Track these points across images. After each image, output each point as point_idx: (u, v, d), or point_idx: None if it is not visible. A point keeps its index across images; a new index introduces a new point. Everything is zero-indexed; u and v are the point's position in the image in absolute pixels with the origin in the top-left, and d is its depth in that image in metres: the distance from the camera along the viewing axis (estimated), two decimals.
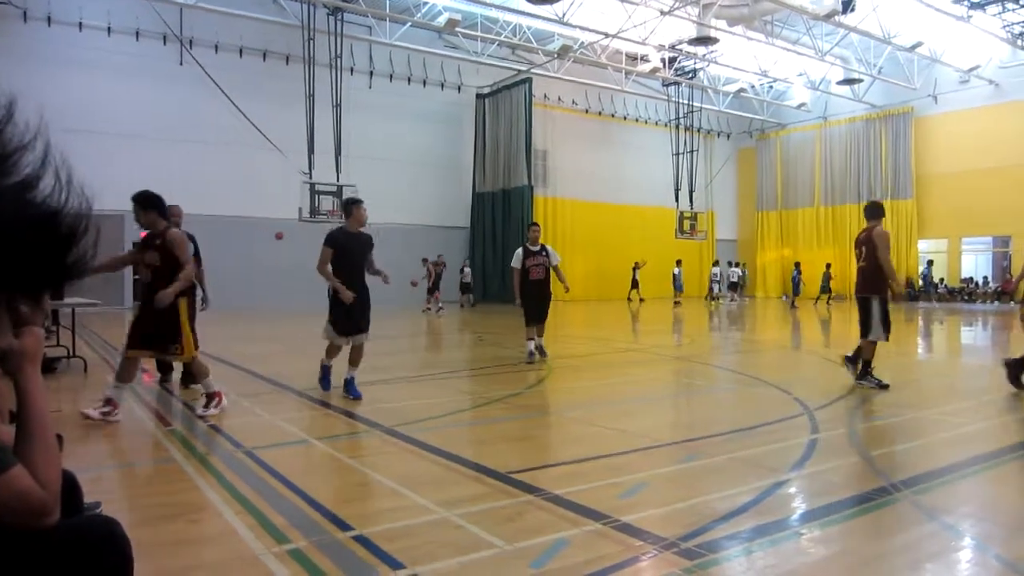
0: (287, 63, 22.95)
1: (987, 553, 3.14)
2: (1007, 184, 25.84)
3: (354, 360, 6.75)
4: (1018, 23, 22.20)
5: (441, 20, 21.72)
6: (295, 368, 8.62)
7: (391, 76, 25.53)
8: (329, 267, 6.55)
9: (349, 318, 6.60)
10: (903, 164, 29.86)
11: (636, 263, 28.17)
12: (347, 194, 20.25)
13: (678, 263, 27.93)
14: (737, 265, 28.46)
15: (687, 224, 29.00)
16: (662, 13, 21.01)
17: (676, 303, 26.28)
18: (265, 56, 23.17)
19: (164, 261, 5.61)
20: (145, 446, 5.05)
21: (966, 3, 20.74)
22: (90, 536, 1.58)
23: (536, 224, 10.05)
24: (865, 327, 7.40)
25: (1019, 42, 23.30)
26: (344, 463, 4.53)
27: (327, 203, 20.02)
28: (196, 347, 5.96)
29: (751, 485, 3.95)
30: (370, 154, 24.00)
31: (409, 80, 25.99)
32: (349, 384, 6.65)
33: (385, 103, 25.22)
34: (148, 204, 5.57)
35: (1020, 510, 3.79)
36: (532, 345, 9.55)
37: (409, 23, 22.09)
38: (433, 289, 20.49)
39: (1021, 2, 20.30)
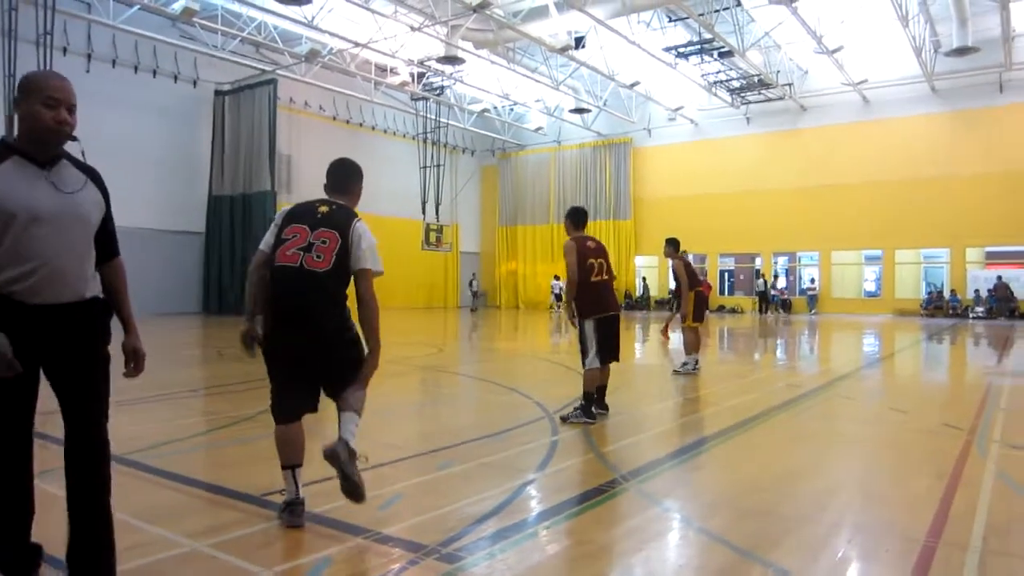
0: None
1: (692, 528, 3.70)
2: (703, 210, 30.26)
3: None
4: (712, 73, 26.06)
5: (176, 7, 20.05)
6: None
7: (114, 62, 22.95)
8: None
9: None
10: (624, 188, 33.52)
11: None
12: None
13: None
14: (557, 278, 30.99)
15: (433, 236, 29.79)
16: (412, 29, 21.42)
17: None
18: None
19: None
20: None
21: (674, 52, 23.87)
22: None
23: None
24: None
25: (713, 90, 27.34)
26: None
27: None
28: None
29: (502, 487, 4.22)
30: (85, 147, 21.25)
31: (136, 68, 23.56)
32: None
33: (106, 91, 22.56)
34: None
35: (715, 489, 4.49)
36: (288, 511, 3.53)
37: (138, 6, 20.08)
38: None
39: (716, 56, 23.84)
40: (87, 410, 2.68)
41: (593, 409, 6.26)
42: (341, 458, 3.42)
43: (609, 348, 6.35)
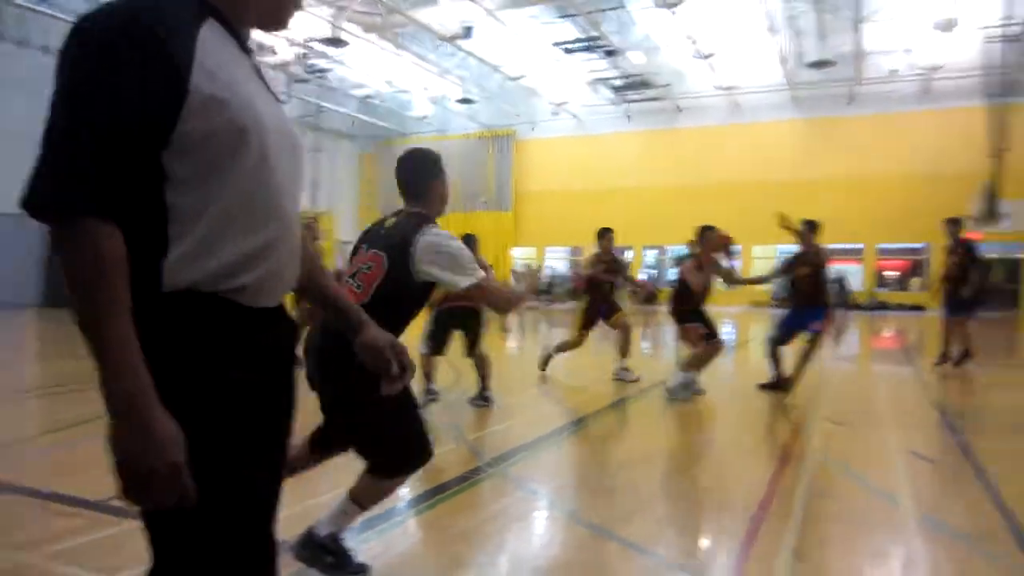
0: None
1: (553, 508, 3.88)
2: (582, 203, 31.07)
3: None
4: (596, 71, 26.77)
5: None
6: None
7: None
8: None
9: None
10: (505, 180, 33.94)
11: None
12: None
13: None
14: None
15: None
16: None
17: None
18: None
19: None
20: None
21: (561, 48, 24.34)
22: None
23: None
24: None
25: (596, 87, 28.09)
26: None
27: None
28: None
29: None
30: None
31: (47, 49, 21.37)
32: None
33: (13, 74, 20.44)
34: None
35: (575, 472, 4.72)
36: None
37: None
38: None
39: (602, 54, 24.53)
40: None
41: (476, 401, 6.67)
42: (308, 559, 2.85)
43: (441, 339, 6.70)
